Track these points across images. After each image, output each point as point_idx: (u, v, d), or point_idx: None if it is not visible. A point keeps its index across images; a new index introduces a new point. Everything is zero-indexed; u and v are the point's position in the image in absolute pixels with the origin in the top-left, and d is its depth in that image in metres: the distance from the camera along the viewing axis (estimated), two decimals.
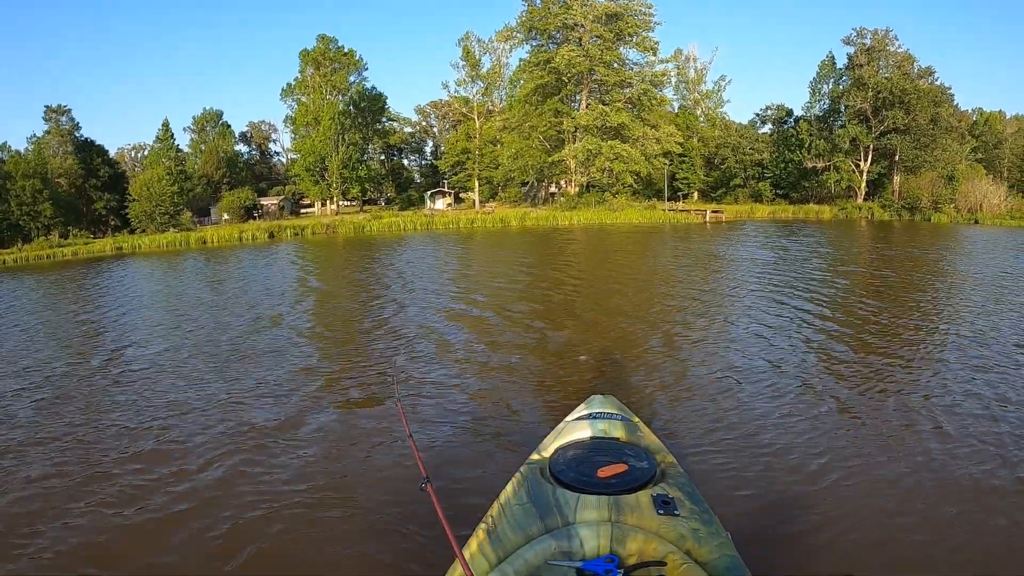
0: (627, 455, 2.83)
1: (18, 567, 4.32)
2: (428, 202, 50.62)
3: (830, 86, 46.52)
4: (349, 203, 51.11)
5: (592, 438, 3.12)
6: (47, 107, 46.36)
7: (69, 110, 46.20)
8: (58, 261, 34.14)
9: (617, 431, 3.17)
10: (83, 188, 44.30)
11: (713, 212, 39.69)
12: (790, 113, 52.34)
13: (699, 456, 5.10)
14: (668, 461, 2.93)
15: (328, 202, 49.41)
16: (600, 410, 3.41)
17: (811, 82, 47.67)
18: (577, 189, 43.96)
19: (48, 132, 46.13)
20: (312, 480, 5.15)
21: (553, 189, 47.45)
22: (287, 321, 12.56)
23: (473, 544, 2.48)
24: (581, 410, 3.50)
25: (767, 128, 53.53)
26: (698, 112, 52.22)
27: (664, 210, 41.71)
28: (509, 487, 2.82)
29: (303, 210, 52.89)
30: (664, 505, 2.43)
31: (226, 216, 44.96)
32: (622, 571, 2.12)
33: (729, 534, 2.40)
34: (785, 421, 5.84)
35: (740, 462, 5.02)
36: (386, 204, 54.86)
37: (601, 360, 8.28)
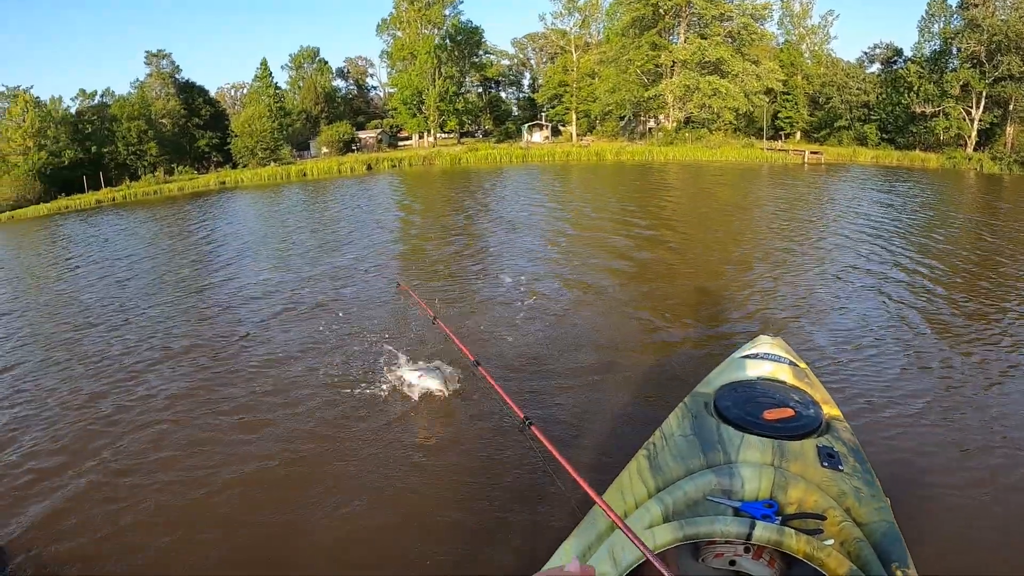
0: (794, 400, 2.72)
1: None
2: (525, 135, 50.10)
3: (941, 25, 42.69)
4: (446, 136, 51.41)
5: (759, 378, 3.07)
6: (148, 52, 48.29)
7: (169, 54, 48.09)
8: (165, 196, 35.79)
9: (784, 375, 3.08)
10: (186, 127, 46.19)
11: (812, 153, 37.65)
12: (899, 53, 48.62)
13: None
14: (834, 413, 2.82)
15: (425, 135, 49.77)
16: (768, 351, 3.33)
17: (920, 20, 43.89)
18: (675, 124, 42.36)
19: (150, 76, 48.11)
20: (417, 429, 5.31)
21: (652, 124, 45.85)
22: (385, 246, 13.61)
23: (633, 469, 2.48)
24: (748, 348, 3.44)
25: (875, 68, 49.94)
26: (803, 48, 49.08)
27: (762, 149, 39.79)
28: (672, 417, 2.81)
29: (401, 143, 53.54)
30: (828, 458, 2.33)
31: (325, 150, 45.90)
32: (780, 518, 2.04)
33: (889, 500, 2.27)
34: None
35: (890, 427, 4.74)
36: (484, 136, 54.77)
37: (692, 300, 8.20)
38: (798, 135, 47.64)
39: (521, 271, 10.13)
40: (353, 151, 46.98)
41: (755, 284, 8.86)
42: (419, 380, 5.41)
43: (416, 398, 5.38)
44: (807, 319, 7.24)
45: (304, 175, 36.82)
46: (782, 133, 46.76)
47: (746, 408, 2.65)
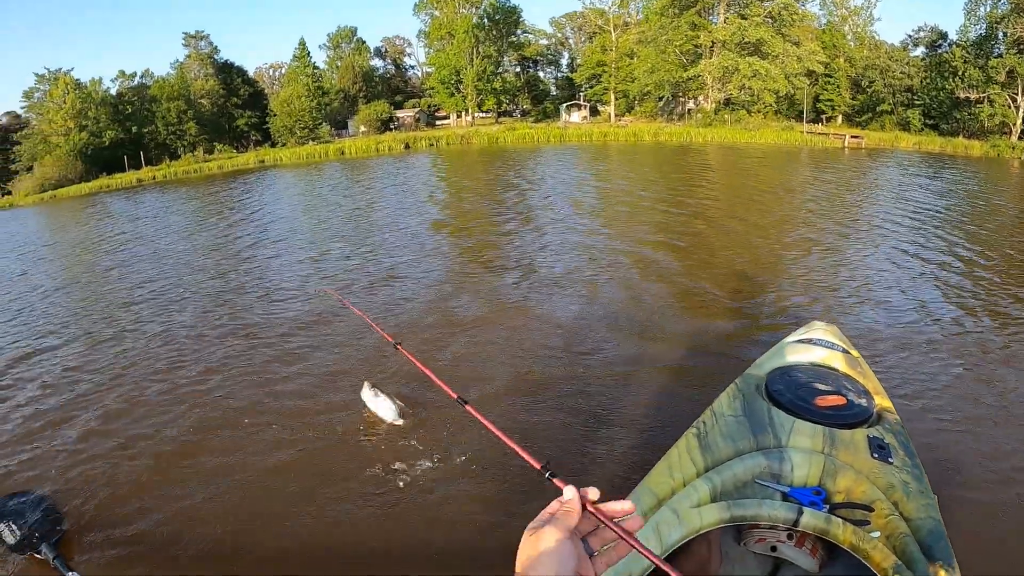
0: (846, 388, 2.68)
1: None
2: (563, 114, 49.85)
3: (987, 9, 41.42)
4: (484, 115, 51.49)
5: (811, 364, 3.02)
6: (186, 34, 48.85)
7: (207, 35, 48.70)
8: (205, 175, 36.30)
9: (837, 362, 3.03)
10: (224, 107, 46.80)
11: (852, 137, 36.85)
12: (944, 36, 47.36)
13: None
14: (885, 405, 2.78)
15: (463, 114, 49.90)
16: (821, 337, 3.28)
17: (966, 3, 42.63)
18: (714, 106, 41.79)
19: (188, 57, 48.66)
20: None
21: (691, 105, 45.30)
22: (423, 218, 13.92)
23: (682, 446, 2.44)
24: (801, 333, 3.40)
25: (919, 51, 48.75)
26: (845, 30, 48.06)
27: (802, 132, 39.09)
28: (724, 397, 2.77)
29: (438, 122, 53.83)
30: (879, 449, 2.30)
31: (363, 128, 46.21)
32: (827, 506, 2.03)
33: (937, 497, 2.21)
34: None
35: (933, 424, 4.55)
36: (521, 116, 54.72)
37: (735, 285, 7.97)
38: (840, 119, 46.73)
39: (568, 251, 10.07)
40: (391, 130, 47.23)
41: (804, 268, 8.65)
42: None
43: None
44: (859, 306, 7.01)
45: (342, 153, 37.13)
46: (823, 116, 45.89)
47: (798, 393, 2.63)
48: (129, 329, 7.75)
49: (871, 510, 2.01)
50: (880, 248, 9.77)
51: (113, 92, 48.07)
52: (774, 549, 2.27)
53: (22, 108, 48.32)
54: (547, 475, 0.90)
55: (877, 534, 1.93)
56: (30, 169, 43.76)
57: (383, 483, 4.08)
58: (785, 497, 2.10)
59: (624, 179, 20.13)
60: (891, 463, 2.25)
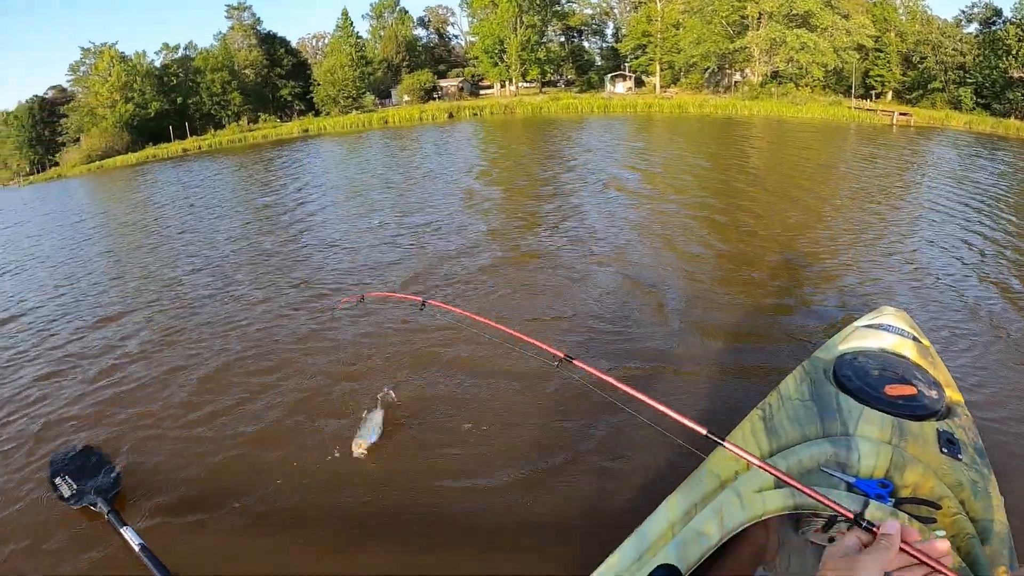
0: (916, 378, 2.57)
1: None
2: (608, 85, 49.43)
3: None
4: (528, 85, 51.26)
5: (881, 350, 2.88)
6: (228, 6, 49.29)
7: (249, 7, 49.00)
8: (250, 144, 36.76)
9: (908, 350, 2.91)
10: (268, 77, 47.37)
11: (901, 115, 35.77)
12: (998, 13, 45.63)
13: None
14: (955, 398, 2.67)
15: (507, 84, 49.85)
16: (892, 323, 3.16)
17: None
18: (760, 79, 41.06)
19: (232, 28, 49.23)
20: None
21: (737, 77, 44.58)
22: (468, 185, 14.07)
23: (746, 428, 2.39)
24: (871, 318, 3.29)
25: (972, 28, 47.10)
26: (896, 3, 46.75)
27: (849, 107, 38.19)
28: (790, 380, 2.70)
29: (482, 91, 53.80)
30: (948, 444, 2.21)
31: (407, 98, 46.43)
32: (893, 500, 1.96)
33: (1004, 499, 2.12)
34: None
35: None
36: (566, 86, 54.44)
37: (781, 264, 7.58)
38: (889, 95, 45.58)
39: (617, 225, 9.81)
40: (434, 99, 47.43)
41: (863, 250, 8.15)
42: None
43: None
44: (924, 292, 6.59)
45: (386, 123, 37.38)
46: (872, 92, 44.81)
47: (867, 380, 2.52)
48: (190, 291, 7.90)
49: (938, 507, 1.94)
50: (942, 231, 9.11)
51: (157, 64, 48.99)
52: (832, 540, 2.21)
53: (68, 82, 49.44)
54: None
55: (943, 533, 1.84)
56: (77, 141, 44.87)
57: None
58: (850, 488, 2.03)
59: (671, 151, 19.77)
60: (960, 460, 2.16)
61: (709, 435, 1.78)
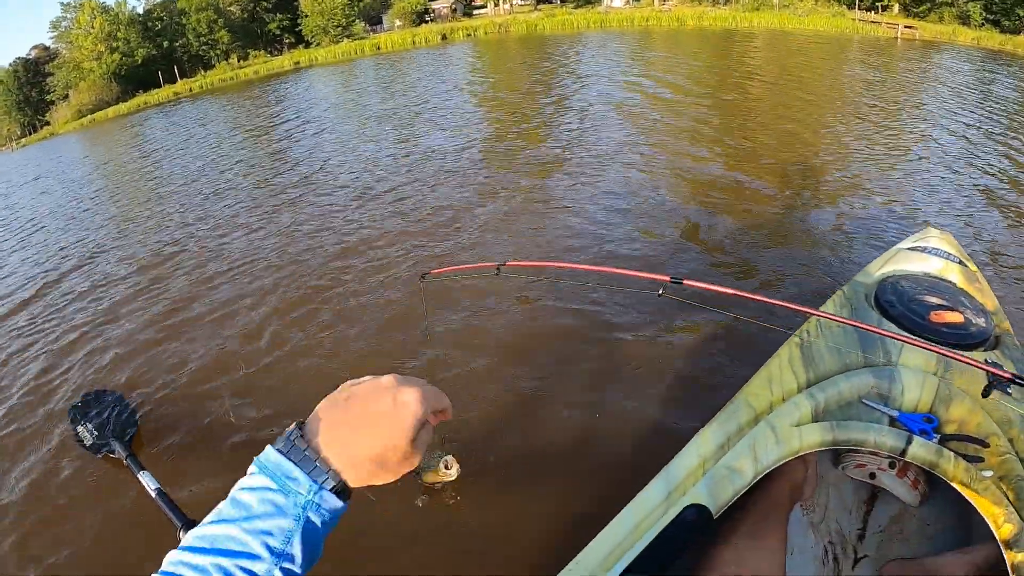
0: (963, 305, 2.38)
1: None
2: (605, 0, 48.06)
3: None
4: (522, 2, 49.66)
5: (925, 275, 2.67)
6: None
7: None
8: (241, 81, 36.11)
9: (954, 275, 2.66)
10: (255, 12, 46.34)
11: (906, 28, 34.97)
12: None
13: None
14: (1004, 326, 2.46)
15: (501, 2, 48.45)
16: (936, 246, 2.90)
17: None
18: None
19: None
20: None
21: None
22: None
23: (783, 357, 2.21)
24: (915, 240, 3.03)
25: None
26: None
27: (853, 19, 37.27)
28: (829, 306, 2.50)
29: (476, 11, 51.92)
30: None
31: (398, 22, 45.44)
32: (938, 437, 1.81)
33: None
34: None
35: None
36: (561, 2, 52.44)
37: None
38: (896, 8, 44.37)
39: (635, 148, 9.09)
40: (426, 22, 46.14)
41: (898, 169, 7.49)
42: None
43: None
44: (970, 215, 6.03)
45: (378, 49, 36.66)
46: (878, 4, 43.59)
47: (911, 306, 2.35)
48: (191, 231, 7.70)
49: (985, 445, 1.79)
50: (975, 149, 8.38)
51: (140, 11, 47.92)
52: (873, 476, 2.10)
53: (51, 39, 48.42)
54: None
55: (990, 473, 1.72)
56: (66, 98, 44.11)
57: None
58: (893, 422, 1.90)
59: (674, 66, 18.49)
60: (1010, 394, 1.94)
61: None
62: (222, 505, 0.63)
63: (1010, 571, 1.50)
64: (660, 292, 2.08)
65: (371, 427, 0.65)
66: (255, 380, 4.12)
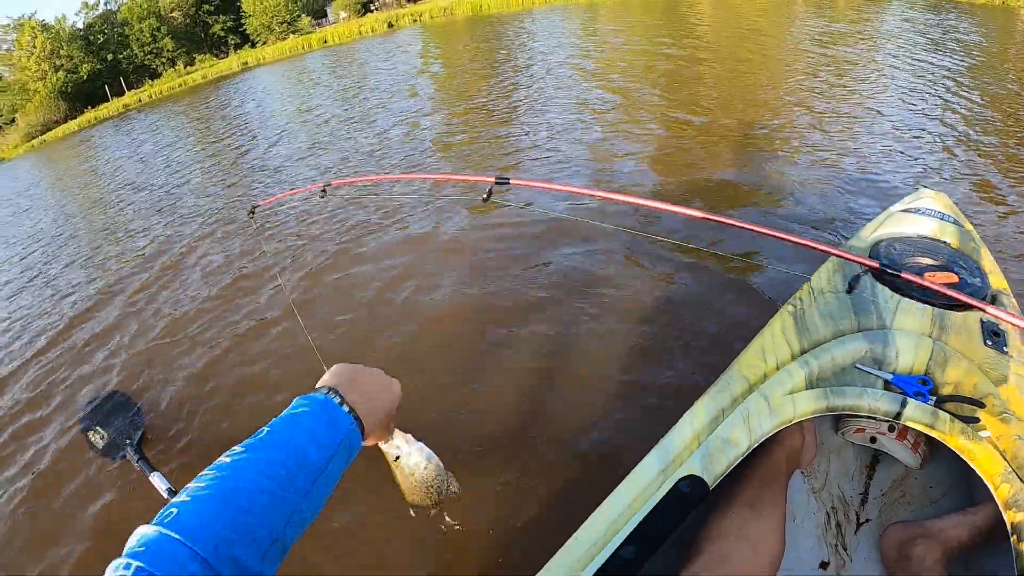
0: (959, 265, 2.34)
1: None
2: None
3: None
4: None
5: (919, 236, 2.61)
6: None
7: None
8: (190, 87, 35.41)
9: (948, 235, 2.60)
10: (197, 16, 45.24)
11: None
12: None
13: None
14: (1001, 286, 2.40)
15: None
16: (931, 207, 2.86)
17: None
18: None
19: None
20: None
21: None
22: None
23: (776, 326, 2.18)
24: (909, 202, 2.98)
25: None
26: None
27: None
28: (823, 272, 2.45)
29: None
30: (993, 336, 1.99)
31: (343, 14, 44.78)
32: (934, 398, 1.78)
33: None
34: None
35: None
36: None
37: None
38: None
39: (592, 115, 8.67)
40: (372, 11, 45.28)
41: (887, 127, 7.04)
42: None
43: None
44: (963, 173, 5.75)
45: (325, 42, 36.12)
46: None
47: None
48: (172, 238, 7.68)
49: (982, 406, 1.76)
50: (950, 102, 7.80)
51: (80, 26, 46.62)
52: (873, 440, 2.10)
53: None
54: None
55: (987, 434, 1.70)
56: (12, 122, 42.94)
57: None
58: (887, 385, 1.88)
59: (629, 33, 17.83)
60: (1006, 352, 1.96)
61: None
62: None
63: (1009, 531, 1.51)
64: (486, 197, 2.11)
65: (384, 393, 0.90)
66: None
